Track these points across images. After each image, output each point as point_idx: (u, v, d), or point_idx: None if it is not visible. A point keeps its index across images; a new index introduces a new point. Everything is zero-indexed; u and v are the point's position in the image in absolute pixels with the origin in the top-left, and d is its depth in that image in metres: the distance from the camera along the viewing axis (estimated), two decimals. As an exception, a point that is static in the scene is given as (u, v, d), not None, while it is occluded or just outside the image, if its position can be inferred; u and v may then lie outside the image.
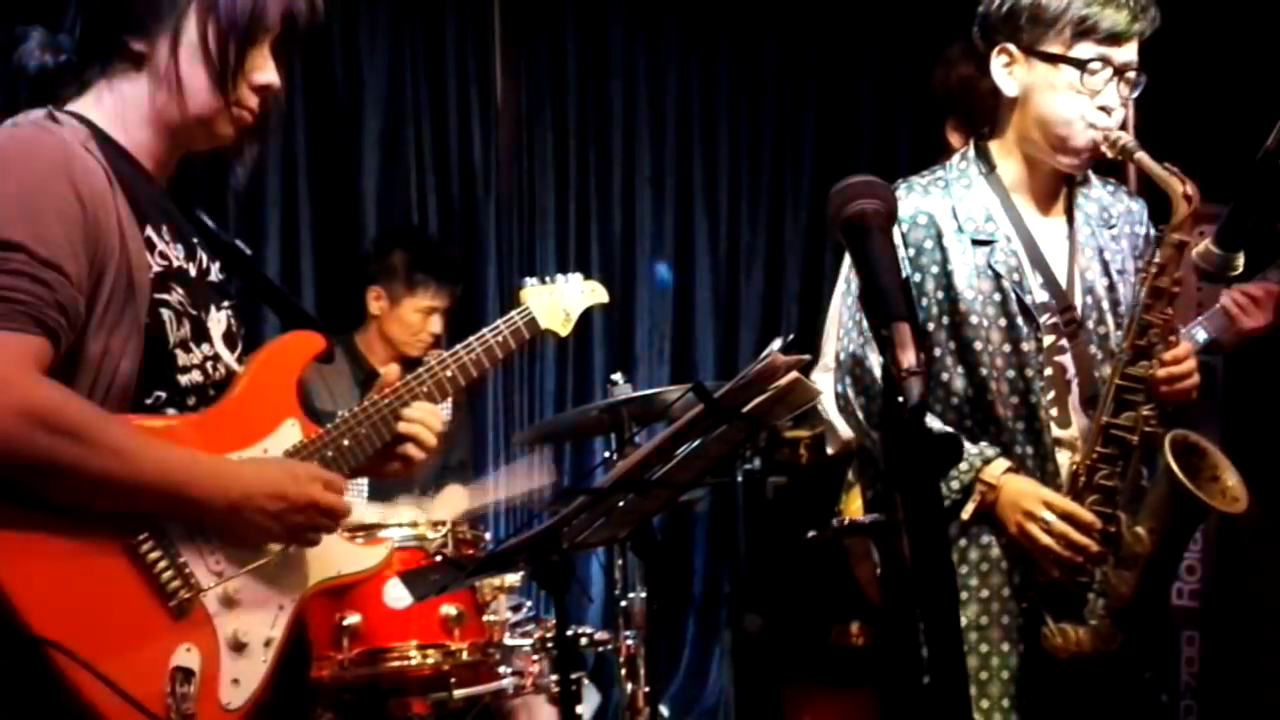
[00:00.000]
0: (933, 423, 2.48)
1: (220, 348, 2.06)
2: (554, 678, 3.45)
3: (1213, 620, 3.97)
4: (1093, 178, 2.64)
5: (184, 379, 1.98)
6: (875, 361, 2.51)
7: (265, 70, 2.03)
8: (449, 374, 2.24)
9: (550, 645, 3.46)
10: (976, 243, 2.52)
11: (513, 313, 2.39)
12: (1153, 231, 2.56)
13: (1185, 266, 2.46)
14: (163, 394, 1.96)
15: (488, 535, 3.59)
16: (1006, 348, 2.50)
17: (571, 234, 5.12)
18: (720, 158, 5.35)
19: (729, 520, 4.39)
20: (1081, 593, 2.46)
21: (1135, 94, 2.51)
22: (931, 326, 2.52)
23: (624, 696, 3.56)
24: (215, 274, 2.11)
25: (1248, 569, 4.00)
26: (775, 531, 4.15)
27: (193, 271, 2.04)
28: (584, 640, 3.60)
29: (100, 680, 1.78)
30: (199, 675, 1.91)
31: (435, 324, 4.21)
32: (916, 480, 1.52)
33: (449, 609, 3.23)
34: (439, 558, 3.21)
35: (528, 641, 3.48)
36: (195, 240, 2.08)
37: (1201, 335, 3.20)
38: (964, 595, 2.47)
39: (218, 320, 2.08)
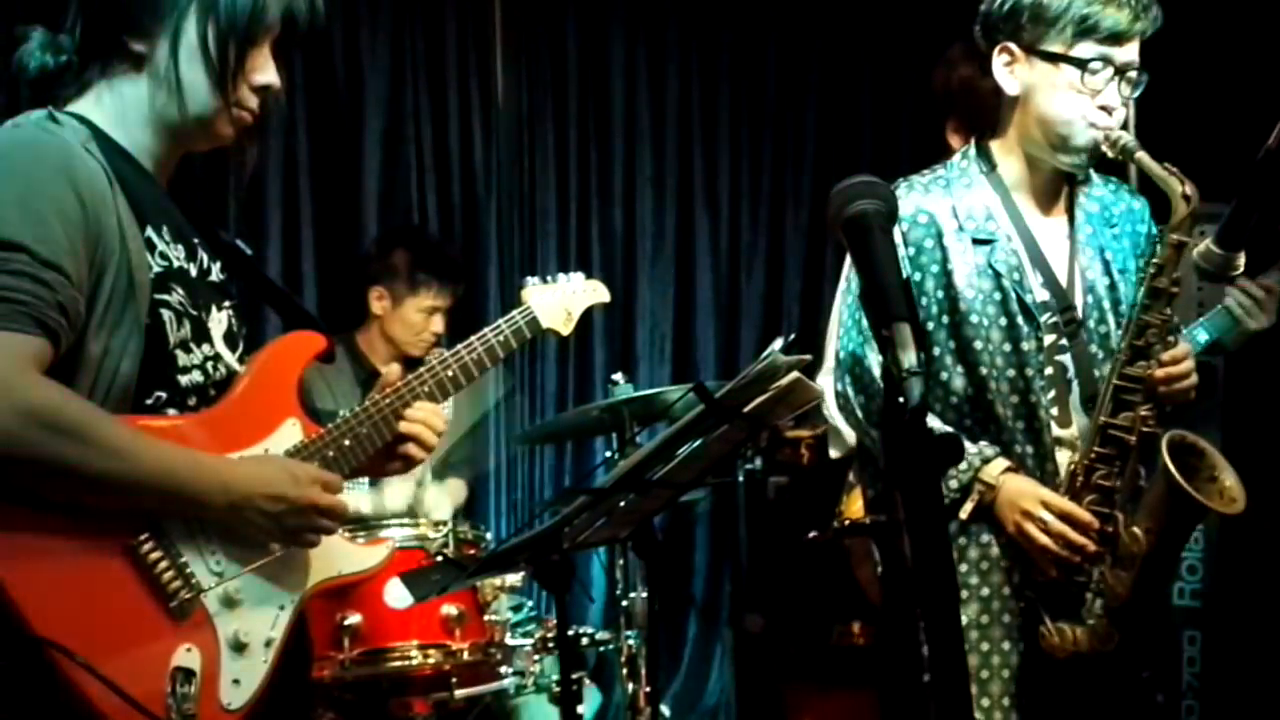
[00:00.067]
0: (933, 422, 2.48)
1: (221, 348, 2.06)
2: (555, 677, 3.45)
3: (1213, 620, 3.96)
4: (1094, 177, 2.64)
5: (184, 379, 1.98)
6: (875, 361, 2.51)
7: (265, 70, 2.03)
8: (450, 373, 2.24)
9: (551, 645, 3.46)
10: (977, 242, 2.53)
11: (514, 312, 2.39)
12: (1154, 230, 2.56)
13: (1185, 266, 2.46)
14: (163, 394, 1.96)
15: (488, 535, 3.59)
16: (1007, 347, 2.50)
17: (573, 233, 5.11)
18: (721, 157, 5.34)
19: (730, 520, 4.38)
20: (1079, 592, 2.46)
21: (1136, 93, 2.51)
22: (931, 325, 2.52)
23: (625, 696, 3.56)
24: (216, 274, 2.11)
25: (1248, 569, 4.00)
26: (777, 531, 4.15)
27: (193, 272, 2.04)
28: (585, 640, 3.60)
29: (100, 681, 1.78)
30: (199, 675, 1.91)
31: (437, 323, 4.21)
32: (917, 480, 1.52)
33: (450, 609, 3.23)
34: (440, 558, 3.22)
35: (529, 641, 3.49)
36: (196, 240, 2.08)
37: (1202, 336, 3.18)
38: (964, 594, 2.47)
39: (218, 320, 2.08)
